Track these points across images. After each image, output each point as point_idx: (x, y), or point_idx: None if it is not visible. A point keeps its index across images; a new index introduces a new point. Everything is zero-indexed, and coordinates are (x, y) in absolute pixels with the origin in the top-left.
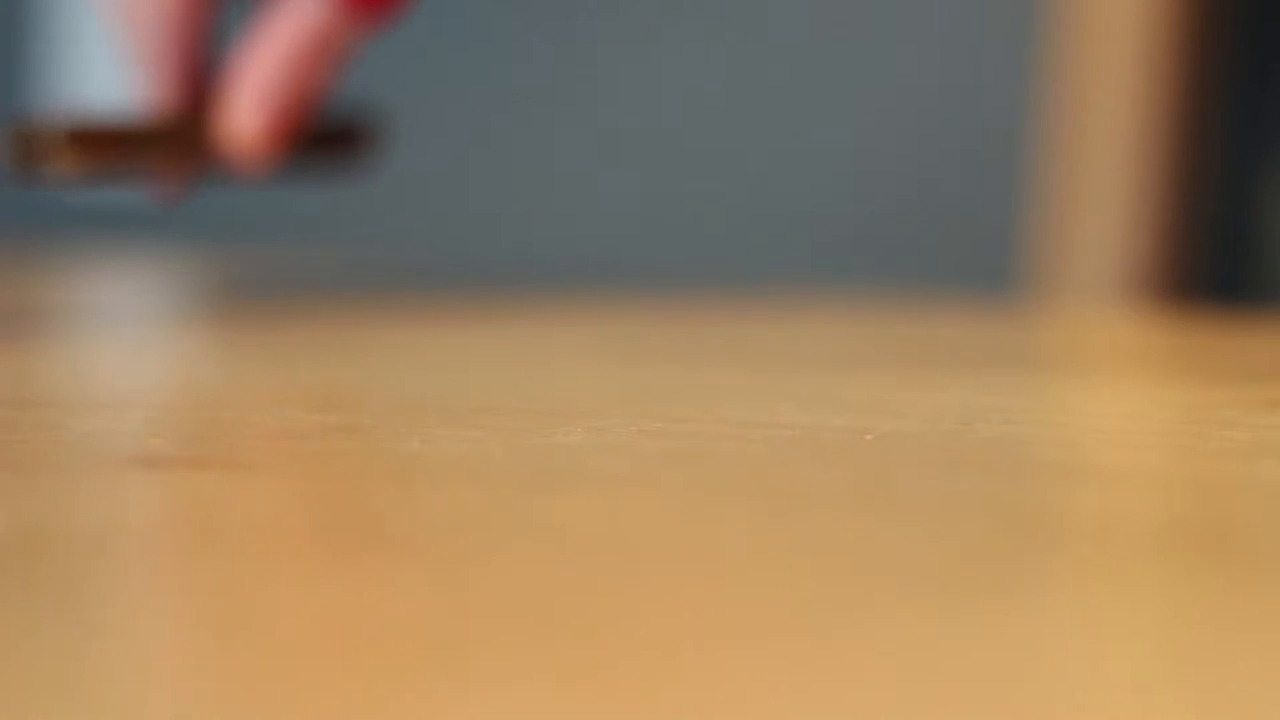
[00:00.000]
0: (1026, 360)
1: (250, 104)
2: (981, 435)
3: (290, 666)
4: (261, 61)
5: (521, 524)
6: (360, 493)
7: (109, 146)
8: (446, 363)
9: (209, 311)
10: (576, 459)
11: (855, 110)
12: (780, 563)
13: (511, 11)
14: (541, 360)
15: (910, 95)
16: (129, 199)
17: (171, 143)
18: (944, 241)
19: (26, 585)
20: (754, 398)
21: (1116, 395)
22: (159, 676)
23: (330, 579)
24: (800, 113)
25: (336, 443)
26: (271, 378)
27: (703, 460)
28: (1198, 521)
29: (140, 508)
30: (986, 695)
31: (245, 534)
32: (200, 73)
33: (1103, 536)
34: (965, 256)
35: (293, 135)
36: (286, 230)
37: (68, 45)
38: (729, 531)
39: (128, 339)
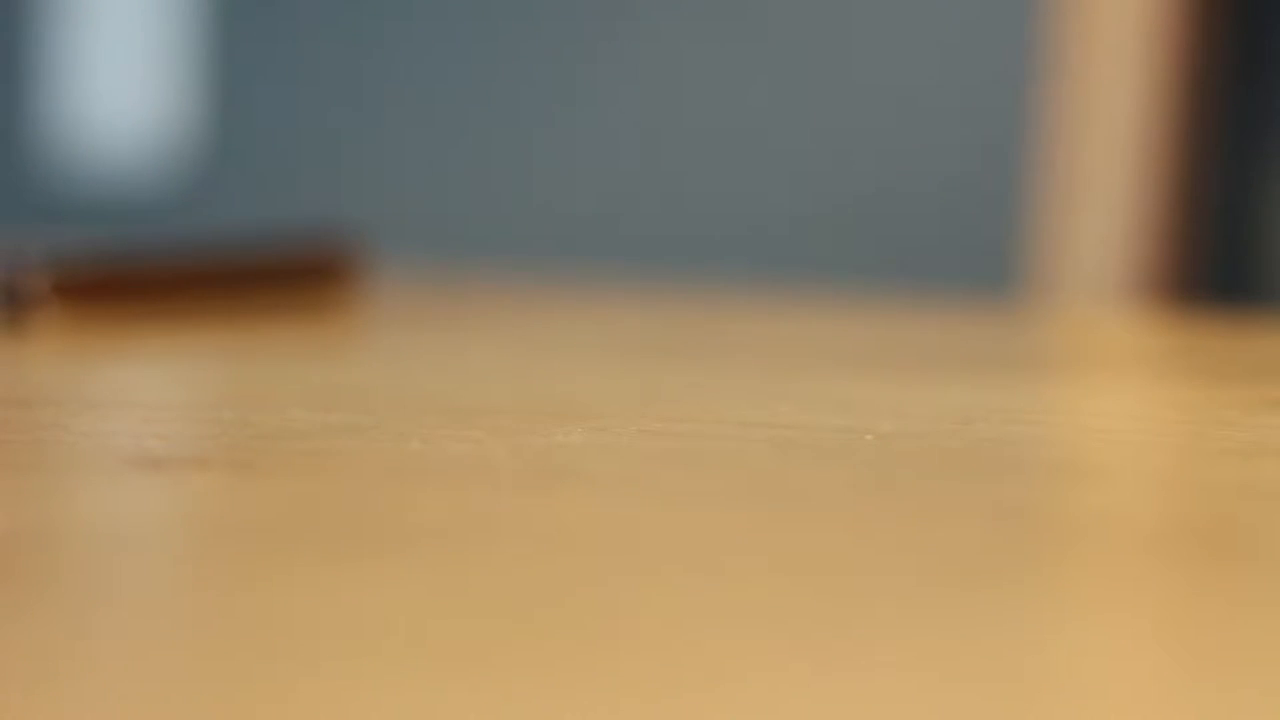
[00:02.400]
0: (1026, 360)
1: None
2: (981, 435)
3: (290, 666)
4: None
5: (521, 524)
6: (360, 493)
7: (98, 291)
8: (446, 363)
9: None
10: (576, 459)
11: (855, 111)
12: (780, 563)
13: (514, 12)
14: (541, 360)
15: (911, 95)
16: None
17: (166, 281)
18: (944, 241)
19: (26, 585)
20: (754, 398)
21: (1116, 395)
22: (159, 676)
23: (330, 579)
24: (800, 113)
25: (336, 443)
26: (272, 378)
27: (703, 460)
28: (1198, 521)
29: (140, 508)
30: (987, 694)
31: (245, 534)
32: None
33: (1103, 536)
34: (965, 256)
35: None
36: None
37: (69, 61)
38: (729, 532)
39: (127, 339)
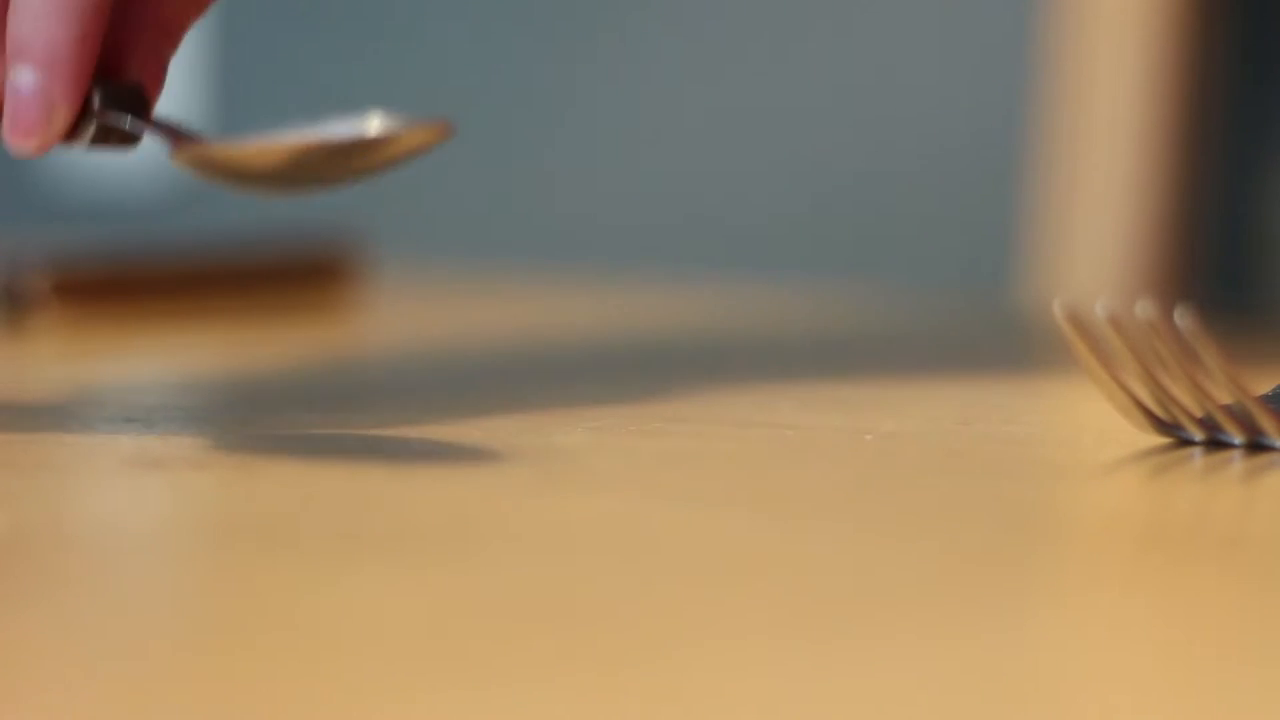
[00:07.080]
0: (1026, 360)
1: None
2: (981, 435)
3: (290, 665)
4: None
5: (522, 524)
6: (360, 493)
7: (99, 291)
8: (446, 363)
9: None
10: (576, 459)
11: (855, 110)
12: (780, 562)
13: (514, 13)
14: (541, 360)
15: (910, 95)
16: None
17: (166, 280)
18: (944, 241)
19: (28, 584)
20: (754, 398)
21: None
22: (159, 674)
23: (330, 579)
24: (801, 113)
25: (336, 442)
26: (272, 378)
27: (703, 460)
28: (1197, 520)
29: (140, 508)
30: (987, 693)
31: (245, 534)
32: None
33: (1102, 536)
34: (965, 256)
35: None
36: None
37: None
38: (728, 531)
39: (124, 340)
